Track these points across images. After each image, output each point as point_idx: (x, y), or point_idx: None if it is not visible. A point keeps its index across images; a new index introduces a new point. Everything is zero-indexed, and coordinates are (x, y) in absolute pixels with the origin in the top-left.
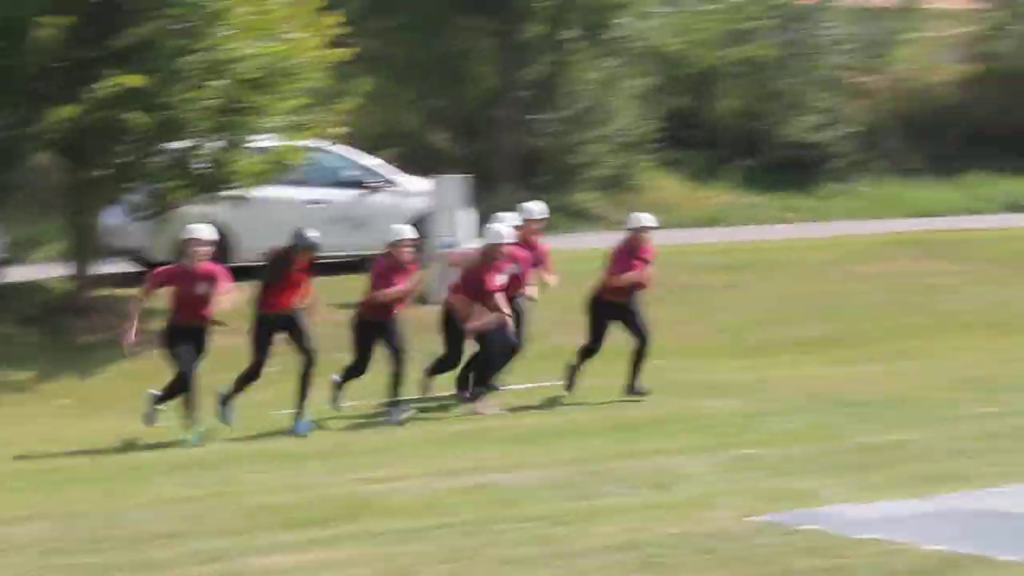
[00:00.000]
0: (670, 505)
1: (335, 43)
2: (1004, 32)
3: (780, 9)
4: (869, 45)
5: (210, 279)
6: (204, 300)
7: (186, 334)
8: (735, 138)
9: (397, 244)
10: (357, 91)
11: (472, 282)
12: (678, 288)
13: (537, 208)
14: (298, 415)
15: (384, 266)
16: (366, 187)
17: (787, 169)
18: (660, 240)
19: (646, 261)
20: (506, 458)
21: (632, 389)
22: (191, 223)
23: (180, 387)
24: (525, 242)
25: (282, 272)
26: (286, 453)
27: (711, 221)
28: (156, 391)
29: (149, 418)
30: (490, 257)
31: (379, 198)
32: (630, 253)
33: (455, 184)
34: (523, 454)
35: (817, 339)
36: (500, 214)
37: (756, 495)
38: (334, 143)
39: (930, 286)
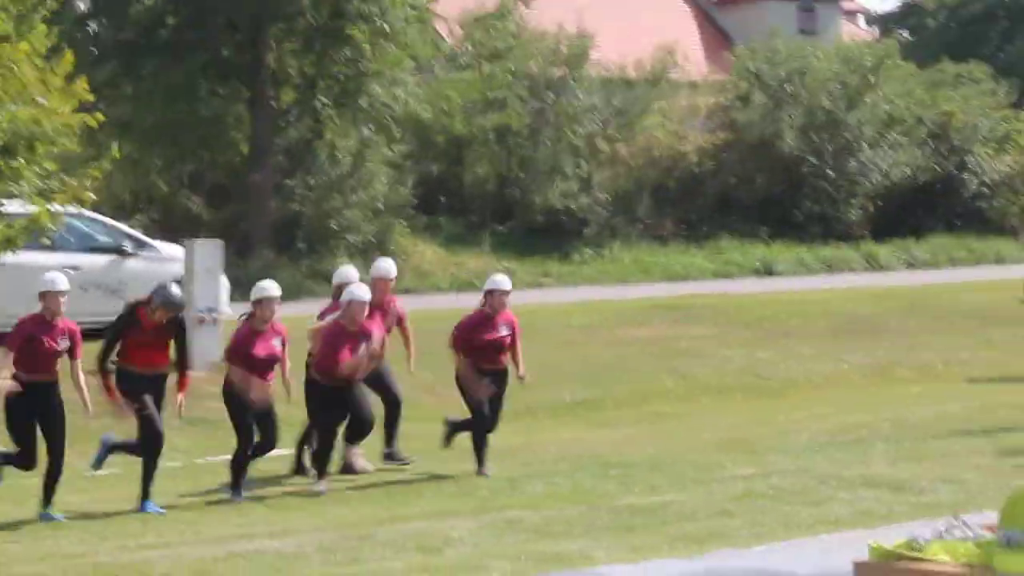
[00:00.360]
0: (440, 569)
1: (86, 108)
2: (748, 102)
3: (532, 78)
4: (620, 114)
5: (70, 335)
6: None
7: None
8: (489, 204)
9: (263, 302)
10: (109, 156)
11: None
12: (439, 353)
13: (387, 266)
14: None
15: (248, 328)
16: (121, 253)
17: (540, 234)
18: (418, 305)
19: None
20: (272, 524)
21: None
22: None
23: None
24: (380, 303)
25: (124, 331)
26: (47, 521)
27: (467, 286)
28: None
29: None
30: (346, 322)
31: (135, 263)
32: (485, 319)
33: (209, 249)
34: (289, 519)
35: (578, 403)
36: (343, 271)
37: (524, 557)
38: (87, 208)
39: (685, 350)
